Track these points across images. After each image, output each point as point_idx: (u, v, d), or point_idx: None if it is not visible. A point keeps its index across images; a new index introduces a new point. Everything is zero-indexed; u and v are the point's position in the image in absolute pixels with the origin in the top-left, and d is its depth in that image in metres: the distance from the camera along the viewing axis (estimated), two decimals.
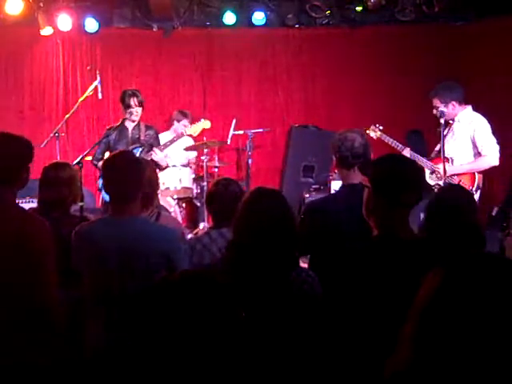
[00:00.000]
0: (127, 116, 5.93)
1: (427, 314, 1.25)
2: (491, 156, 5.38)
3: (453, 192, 3.19)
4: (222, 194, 3.31)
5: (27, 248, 2.56)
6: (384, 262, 2.33)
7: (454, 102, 5.44)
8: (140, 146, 6.03)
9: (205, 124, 6.54)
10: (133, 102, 5.93)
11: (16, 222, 2.61)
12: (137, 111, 5.99)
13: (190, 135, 6.75)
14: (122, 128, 5.95)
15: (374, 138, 5.61)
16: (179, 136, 6.40)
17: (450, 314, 1.20)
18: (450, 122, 5.51)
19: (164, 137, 7.07)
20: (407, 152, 5.51)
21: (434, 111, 5.45)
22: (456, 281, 1.23)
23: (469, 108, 5.52)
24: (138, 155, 5.84)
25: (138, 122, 6.05)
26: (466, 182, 5.41)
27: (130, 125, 6.02)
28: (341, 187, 3.49)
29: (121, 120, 5.91)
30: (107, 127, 6.06)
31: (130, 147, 5.88)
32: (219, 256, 2.99)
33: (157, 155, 5.94)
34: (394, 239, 2.40)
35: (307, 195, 7.31)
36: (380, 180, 2.46)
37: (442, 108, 5.38)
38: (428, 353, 1.22)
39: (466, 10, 7.71)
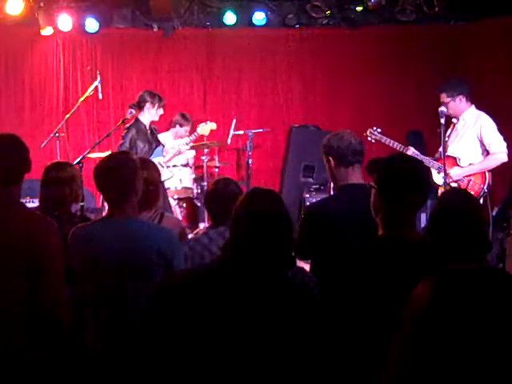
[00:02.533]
0: (156, 114, 6.17)
1: (418, 338, 1.25)
2: (500, 153, 5.38)
3: (460, 197, 3.13)
4: (221, 194, 3.30)
5: (37, 249, 2.55)
6: (387, 263, 2.32)
7: (461, 96, 5.45)
8: (160, 145, 6.33)
9: (212, 125, 6.82)
10: (163, 103, 6.27)
11: (26, 223, 2.60)
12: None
13: (203, 135, 6.85)
14: (139, 126, 6.02)
15: (373, 141, 5.54)
16: (196, 135, 6.74)
17: (443, 336, 1.20)
18: (454, 121, 5.50)
19: (164, 137, 7.08)
20: (410, 152, 5.50)
21: (443, 108, 5.41)
22: (446, 302, 1.23)
23: (472, 107, 5.53)
24: (163, 153, 6.20)
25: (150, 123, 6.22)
26: (476, 181, 5.40)
27: (146, 123, 6.13)
28: (340, 188, 3.37)
29: (134, 119, 6.02)
30: (127, 125, 6.08)
31: (153, 145, 6.14)
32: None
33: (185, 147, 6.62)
34: (398, 240, 2.39)
35: (307, 195, 7.32)
36: (385, 180, 2.44)
37: (442, 108, 5.37)
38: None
39: (466, 10, 7.70)
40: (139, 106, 6.11)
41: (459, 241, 2.72)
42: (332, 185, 3.51)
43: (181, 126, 7.46)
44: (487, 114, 5.57)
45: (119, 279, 2.84)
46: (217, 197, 3.31)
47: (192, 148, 7.27)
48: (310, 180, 7.71)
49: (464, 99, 5.48)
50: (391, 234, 2.41)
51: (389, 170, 2.47)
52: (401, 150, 5.54)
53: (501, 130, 5.54)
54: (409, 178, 2.41)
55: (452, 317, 1.21)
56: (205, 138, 7.14)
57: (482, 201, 5.28)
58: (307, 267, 3.15)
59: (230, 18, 7.68)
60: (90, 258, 2.89)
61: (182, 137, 7.37)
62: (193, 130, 7.12)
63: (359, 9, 7.82)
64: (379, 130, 5.61)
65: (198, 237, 3.41)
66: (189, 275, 2.25)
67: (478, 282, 1.19)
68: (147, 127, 6.13)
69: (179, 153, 6.49)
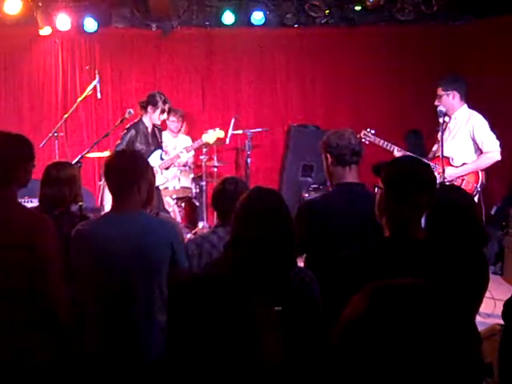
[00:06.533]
0: (158, 119, 6.06)
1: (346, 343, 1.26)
2: (493, 152, 5.38)
3: (451, 192, 3.16)
4: (230, 193, 3.29)
5: (34, 247, 2.55)
6: (395, 263, 2.29)
7: (455, 92, 5.46)
8: (161, 148, 6.21)
9: (219, 133, 6.59)
10: (166, 109, 6.12)
11: (22, 222, 2.60)
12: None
13: (207, 143, 6.69)
14: (140, 127, 5.98)
15: (367, 143, 5.56)
16: (199, 143, 6.55)
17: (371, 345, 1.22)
18: (446, 120, 5.50)
19: (163, 136, 7.08)
20: (398, 151, 5.50)
21: (437, 102, 5.46)
22: (381, 311, 1.24)
23: (465, 106, 5.53)
24: (162, 157, 6.08)
25: (154, 125, 6.15)
26: (470, 180, 5.40)
27: (148, 125, 6.06)
28: (336, 186, 3.38)
29: (138, 118, 5.98)
30: (127, 125, 6.05)
31: (152, 148, 6.05)
32: None
33: (185, 155, 6.36)
34: (405, 240, 2.38)
35: (306, 195, 7.32)
36: (393, 180, 2.43)
37: (441, 108, 5.38)
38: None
39: (464, 9, 7.72)
40: (145, 106, 6.08)
41: (456, 236, 2.73)
42: (328, 183, 3.49)
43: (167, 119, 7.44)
44: (486, 113, 5.57)
45: (126, 276, 2.82)
46: (226, 196, 3.30)
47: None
48: (309, 179, 7.72)
49: (458, 96, 5.48)
50: (399, 234, 2.40)
51: (399, 170, 2.47)
52: (390, 149, 5.54)
53: (498, 129, 5.54)
54: (418, 178, 2.41)
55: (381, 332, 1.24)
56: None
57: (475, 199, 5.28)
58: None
59: (228, 17, 7.69)
60: (93, 254, 2.87)
61: (172, 130, 7.41)
62: (183, 124, 7.21)
63: (358, 8, 7.83)
64: (373, 132, 5.62)
65: (205, 235, 3.41)
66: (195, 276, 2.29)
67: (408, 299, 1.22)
68: (149, 129, 6.09)
69: (178, 158, 6.38)
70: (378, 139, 5.61)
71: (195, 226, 7.41)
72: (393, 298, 1.21)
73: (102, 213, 4.91)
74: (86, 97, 6.68)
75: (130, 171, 2.93)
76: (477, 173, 5.42)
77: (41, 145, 6.43)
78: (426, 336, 1.17)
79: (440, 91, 5.50)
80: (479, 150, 5.40)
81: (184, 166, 7.21)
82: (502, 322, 2.69)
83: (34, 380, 2.58)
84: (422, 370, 1.16)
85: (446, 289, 1.25)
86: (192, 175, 7.32)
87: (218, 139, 6.67)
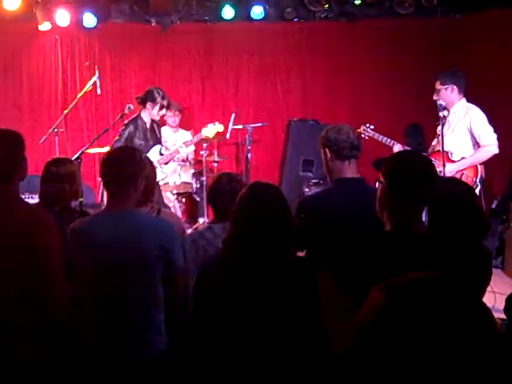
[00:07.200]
0: (158, 114, 6.05)
1: (372, 332, 1.27)
2: (491, 145, 5.36)
3: (450, 184, 3.17)
4: (225, 189, 3.29)
5: (33, 243, 2.53)
6: (396, 258, 2.29)
7: (454, 86, 5.45)
8: (159, 143, 6.21)
9: (218, 127, 6.58)
10: (165, 104, 6.09)
11: (22, 217, 2.59)
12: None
13: (206, 137, 6.67)
14: (138, 122, 5.97)
15: (366, 138, 5.55)
16: (199, 137, 6.54)
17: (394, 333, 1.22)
18: (445, 114, 5.49)
19: (162, 131, 7.08)
20: (398, 147, 5.50)
21: (435, 96, 5.45)
22: (398, 305, 1.24)
23: (463, 100, 5.52)
24: (161, 152, 6.10)
25: (152, 120, 6.14)
26: (469, 174, 5.38)
27: (147, 120, 6.05)
28: (336, 181, 3.39)
29: (137, 114, 5.97)
30: (126, 121, 6.05)
31: (151, 143, 6.03)
32: None
33: (184, 150, 6.35)
34: (406, 234, 2.38)
35: (307, 189, 7.32)
36: (393, 174, 2.43)
37: (441, 102, 5.37)
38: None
39: (464, 2, 7.69)
40: (143, 102, 6.06)
41: (456, 226, 2.73)
42: (327, 178, 3.49)
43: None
44: (486, 106, 5.56)
45: (119, 275, 2.82)
46: (221, 192, 3.30)
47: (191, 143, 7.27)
48: (310, 174, 7.71)
49: (456, 90, 5.47)
50: (400, 228, 2.40)
51: (399, 163, 2.47)
52: (390, 144, 5.54)
53: (498, 123, 5.53)
54: (420, 171, 2.41)
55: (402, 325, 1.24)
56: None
57: None
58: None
59: (228, 12, 7.67)
60: (89, 252, 2.87)
61: (170, 125, 7.41)
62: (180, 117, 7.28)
63: (358, 2, 7.81)
64: (372, 127, 5.62)
65: (201, 231, 3.41)
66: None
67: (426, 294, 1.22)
68: (147, 124, 6.08)
69: (177, 153, 6.38)
70: (377, 134, 5.61)
71: (196, 221, 7.41)
72: (410, 293, 1.21)
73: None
74: (85, 92, 6.67)
75: (125, 172, 2.90)
76: (476, 167, 5.41)
77: (41, 141, 6.44)
78: (444, 331, 1.17)
79: (438, 85, 5.49)
80: (477, 144, 5.39)
81: (184, 161, 7.21)
82: (502, 315, 2.69)
83: (34, 378, 2.57)
84: (443, 365, 1.15)
85: (456, 282, 1.24)
86: (192, 170, 7.31)
87: (218, 133, 6.66)
